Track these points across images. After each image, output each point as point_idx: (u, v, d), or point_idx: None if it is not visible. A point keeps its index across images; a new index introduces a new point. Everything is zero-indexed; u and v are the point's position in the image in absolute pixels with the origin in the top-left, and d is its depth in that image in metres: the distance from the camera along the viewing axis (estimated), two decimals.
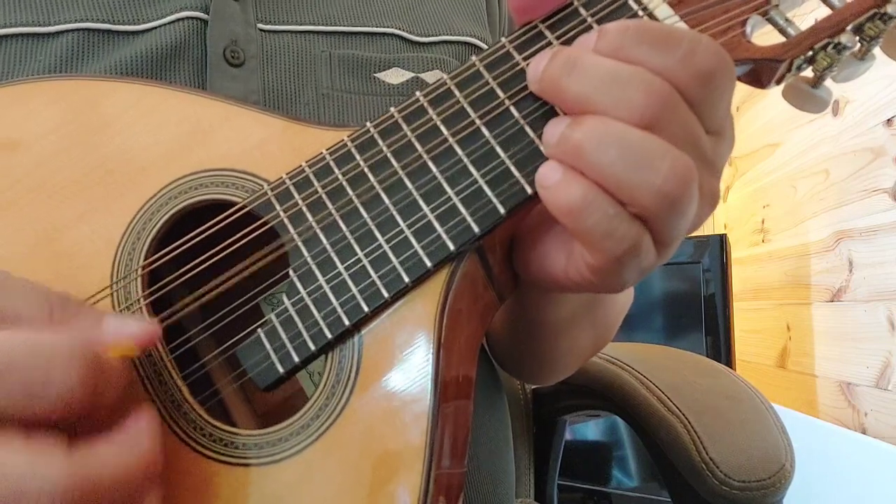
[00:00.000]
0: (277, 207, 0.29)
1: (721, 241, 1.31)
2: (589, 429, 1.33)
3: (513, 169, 0.27)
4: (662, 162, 0.24)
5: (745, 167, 1.60)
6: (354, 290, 0.28)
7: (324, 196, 0.29)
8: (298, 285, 0.28)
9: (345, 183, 0.29)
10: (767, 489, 0.51)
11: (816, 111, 0.29)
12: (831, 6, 0.27)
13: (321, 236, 0.29)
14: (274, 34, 0.43)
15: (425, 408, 0.26)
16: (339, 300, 0.28)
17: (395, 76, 0.45)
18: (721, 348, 1.29)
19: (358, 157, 0.29)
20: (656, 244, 0.26)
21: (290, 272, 0.29)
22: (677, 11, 0.27)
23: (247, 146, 0.31)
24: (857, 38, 0.27)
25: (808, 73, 0.29)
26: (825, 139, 1.18)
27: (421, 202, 0.28)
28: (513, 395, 0.75)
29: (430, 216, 0.28)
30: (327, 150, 0.30)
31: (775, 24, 0.28)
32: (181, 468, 0.27)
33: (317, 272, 0.28)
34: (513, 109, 0.28)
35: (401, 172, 0.29)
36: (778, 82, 0.29)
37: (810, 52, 0.27)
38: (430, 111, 0.29)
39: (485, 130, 0.28)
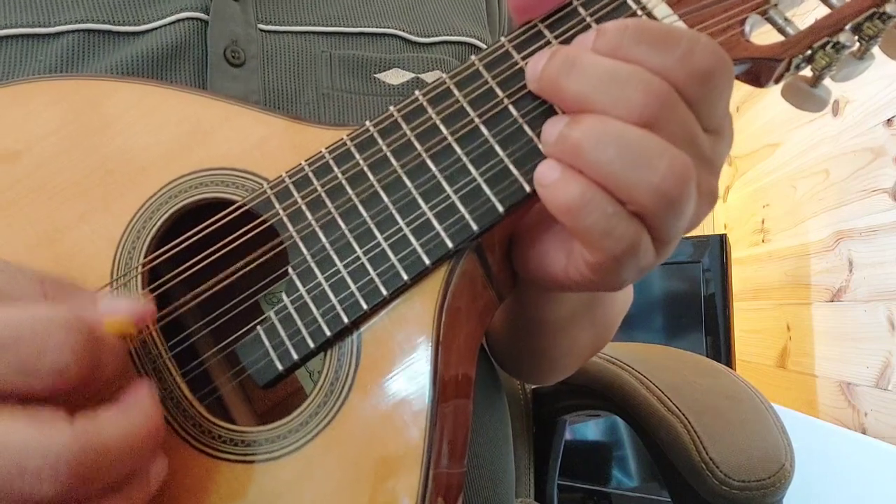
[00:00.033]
0: (277, 206, 0.29)
1: (721, 241, 1.31)
2: (589, 429, 1.33)
3: (511, 167, 0.27)
4: (661, 160, 0.24)
5: (745, 167, 1.60)
6: (353, 287, 0.28)
7: (323, 194, 0.29)
8: (298, 283, 0.28)
9: (344, 181, 0.29)
10: (767, 489, 0.51)
11: (815, 110, 0.29)
12: (830, 5, 0.27)
13: (320, 234, 0.29)
14: (274, 34, 0.43)
15: (424, 406, 0.27)
16: (338, 298, 0.28)
17: (395, 77, 0.45)
18: (721, 348, 1.29)
19: (357, 155, 0.29)
20: (655, 242, 0.26)
21: (290, 270, 0.29)
22: (676, 10, 0.28)
23: (247, 145, 0.31)
24: (856, 37, 0.27)
25: (807, 72, 0.29)
26: (825, 139, 1.18)
27: (420, 200, 0.28)
28: (513, 394, 0.75)
29: (429, 214, 0.28)
30: (327, 148, 0.30)
31: (774, 24, 0.28)
32: (180, 465, 0.27)
33: (316, 270, 0.28)
34: (512, 108, 0.28)
35: (400, 171, 0.29)
36: (777, 81, 0.29)
37: (809, 52, 0.27)
38: (430, 110, 0.29)
39: (484, 129, 0.28)
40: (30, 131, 0.31)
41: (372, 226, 0.28)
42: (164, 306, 0.30)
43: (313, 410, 0.27)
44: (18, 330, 0.22)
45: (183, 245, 0.29)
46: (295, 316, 0.28)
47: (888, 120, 0.98)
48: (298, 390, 0.34)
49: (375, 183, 0.29)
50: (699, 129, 0.25)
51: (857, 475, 0.99)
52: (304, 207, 0.29)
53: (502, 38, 0.29)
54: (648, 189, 0.24)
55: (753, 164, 1.54)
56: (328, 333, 0.28)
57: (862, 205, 1.05)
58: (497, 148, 0.28)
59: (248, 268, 0.29)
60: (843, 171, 1.11)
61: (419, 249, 0.28)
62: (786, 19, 0.28)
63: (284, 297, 0.29)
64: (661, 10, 0.28)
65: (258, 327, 0.29)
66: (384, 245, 0.28)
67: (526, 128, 0.28)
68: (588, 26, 0.28)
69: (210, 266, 0.29)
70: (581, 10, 0.28)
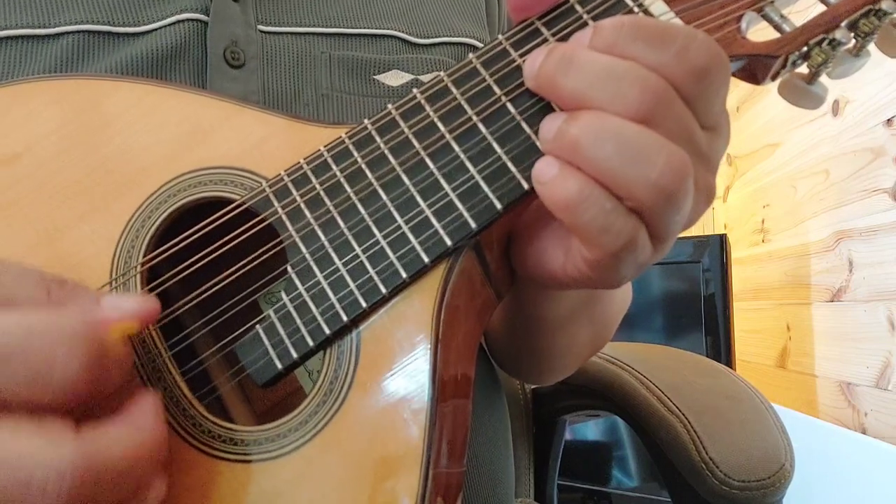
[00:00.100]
0: (276, 204, 0.29)
1: (721, 241, 1.31)
2: (589, 429, 1.33)
3: (509, 165, 0.28)
4: (658, 156, 0.24)
5: (745, 167, 1.60)
6: (352, 285, 0.28)
7: (322, 193, 0.29)
8: (297, 281, 0.29)
9: (342, 180, 0.29)
10: (767, 489, 0.51)
11: (812, 107, 0.29)
12: (826, 2, 0.27)
13: (319, 233, 0.29)
14: (274, 35, 0.43)
15: (423, 405, 0.26)
16: (337, 296, 0.28)
17: (394, 78, 0.45)
18: (721, 348, 1.29)
19: (356, 153, 0.29)
20: (653, 239, 0.26)
21: (289, 268, 0.29)
22: (672, 7, 0.28)
23: (247, 145, 0.31)
24: (852, 34, 0.27)
25: (804, 69, 0.29)
26: (825, 139, 1.18)
27: (418, 198, 0.28)
28: (513, 395, 0.75)
29: (428, 212, 0.28)
30: (325, 147, 0.30)
31: (770, 21, 0.28)
32: (180, 465, 0.27)
33: (315, 268, 0.28)
34: (509, 106, 0.28)
35: (398, 169, 0.29)
36: (773, 78, 0.29)
37: (805, 48, 0.27)
38: (428, 108, 0.29)
39: (482, 127, 0.28)
40: (30, 131, 0.31)
41: (371, 224, 0.28)
42: (163, 306, 0.30)
43: (312, 410, 0.27)
44: (27, 339, 0.21)
45: (182, 244, 0.29)
46: (294, 314, 0.28)
47: (888, 120, 0.98)
48: (298, 389, 0.34)
49: (374, 181, 0.29)
50: (696, 126, 0.25)
51: (857, 475, 0.99)
52: (302, 206, 0.29)
53: (500, 36, 0.29)
54: (646, 185, 0.24)
55: (753, 164, 1.54)
56: (327, 332, 0.28)
57: (862, 205, 1.05)
58: (495, 145, 0.28)
59: (247, 267, 0.29)
60: (843, 171, 1.11)
61: (418, 247, 0.28)
62: (782, 16, 0.28)
63: (284, 295, 0.29)
64: (658, 7, 0.28)
65: (257, 326, 0.29)
66: (383, 243, 0.28)
67: (524, 125, 0.28)
68: (585, 24, 0.28)
69: (209, 265, 0.29)
70: (578, 7, 0.28)
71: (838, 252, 1.13)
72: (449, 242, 0.28)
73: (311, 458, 0.27)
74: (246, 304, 0.30)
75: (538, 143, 0.27)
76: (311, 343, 0.28)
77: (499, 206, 0.27)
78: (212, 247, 0.29)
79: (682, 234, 0.28)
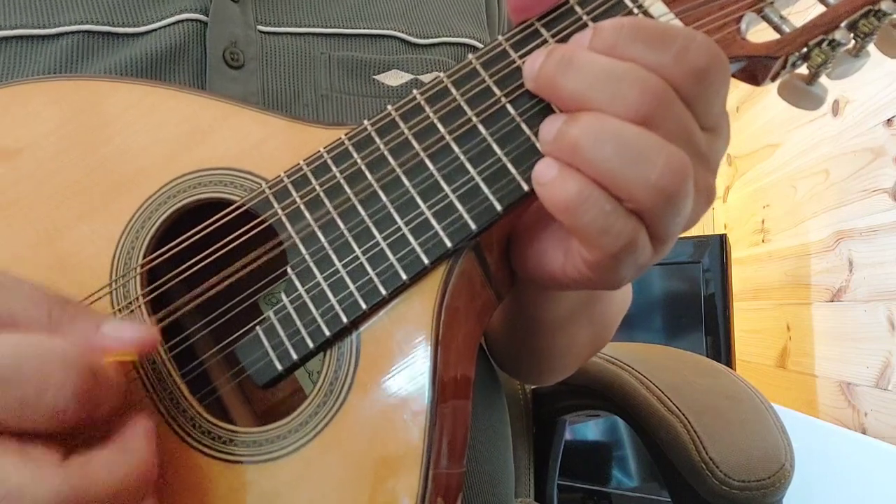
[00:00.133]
0: (276, 205, 0.29)
1: (721, 241, 1.31)
2: (589, 429, 1.33)
3: (509, 166, 0.28)
4: (658, 157, 0.24)
5: (745, 167, 1.60)
6: (352, 287, 0.28)
7: (322, 194, 0.29)
8: (297, 283, 0.28)
9: (342, 181, 0.29)
10: (767, 489, 0.51)
11: (812, 108, 0.29)
12: (825, 3, 0.27)
13: (319, 234, 0.29)
14: (273, 36, 0.43)
15: (423, 406, 0.27)
16: (337, 297, 0.28)
17: (394, 78, 0.45)
18: (721, 348, 1.29)
19: (355, 154, 0.29)
20: (652, 240, 0.26)
21: (289, 270, 0.29)
22: (672, 9, 0.28)
23: (246, 145, 0.31)
24: (852, 34, 0.27)
25: (804, 69, 0.29)
26: (825, 139, 1.18)
27: (418, 199, 0.28)
28: (513, 395, 0.75)
29: (428, 213, 0.28)
30: (325, 148, 0.30)
31: (770, 21, 0.28)
32: (180, 466, 0.27)
33: (315, 270, 0.28)
34: (509, 107, 0.28)
35: (398, 170, 0.29)
36: (773, 79, 0.29)
37: (805, 49, 0.27)
38: (427, 109, 0.29)
39: (481, 128, 0.28)
40: (29, 131, 0.31)
41: (370, 225, 0.28)
42: (163, 306, 0.30)
43: (312, 411, 0.27)
44: (21, 364, 0.21)
45: (182, 245, 0.29)
46: (294, 316, 0.28)
47: (888, 120, 0.98)
48: (298, 391, 0.34)
49: (374, 182, 0.29)
50: (696, 127, 0.25)
51: (857, 475, 0.99)
52: (302, 207, 0.29)
53: (499, 37, 0.29)
54: (646, 186, 0.24)
55: (753, 165, 1.54)
56: (327, 333, 0.28)
57: (862, 205, 1.05)
58: (495, 147, 0.28)
59: (247, 268, 0.29)
60: (843, 171, 1.11)
61: (418, 249, 0.28)
62: (781, 17, 0.28)
63: (283, 297, 0.29)
64: (658, 9, 0.28)
65: (257, 327, 0.29)
66: (383, 244, 0.28)
67: (524, 126, 0.28)
68: (585, 25, 0.28)
69: (209, 266, 0.29)
70: (578, 8, 0.28)
71: (838, 252, 1.13)
72: (449, 244, 0.28)
73: (311, 459, 0.27)
74: (246, 305, 0.30)
75: (538, 145, 0.27)
76: (311, 344, 0.28)
77: (499, 207, 0.27)
78: (212, 248, 0.29)
79: (682, 235, 0.28)
